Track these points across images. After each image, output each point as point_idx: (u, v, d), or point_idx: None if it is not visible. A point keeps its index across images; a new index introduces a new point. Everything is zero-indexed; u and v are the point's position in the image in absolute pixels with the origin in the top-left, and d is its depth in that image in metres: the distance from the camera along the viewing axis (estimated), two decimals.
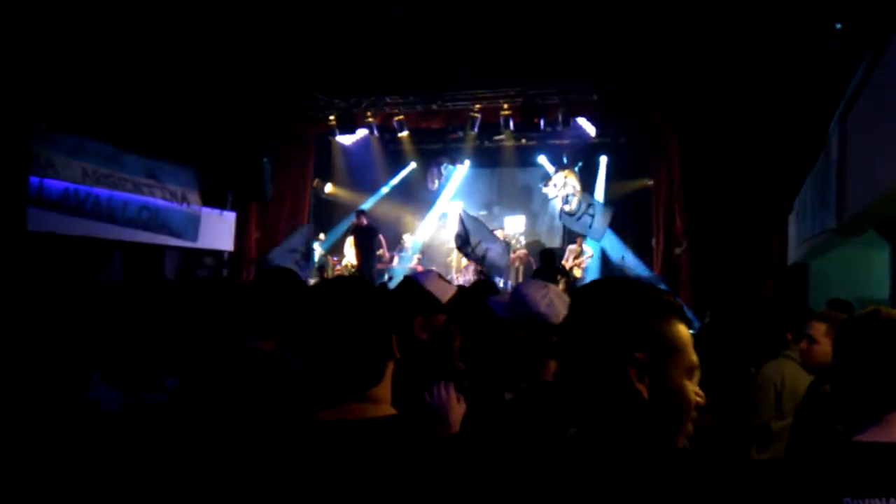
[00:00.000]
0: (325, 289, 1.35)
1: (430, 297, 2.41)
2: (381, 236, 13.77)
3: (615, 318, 1.16)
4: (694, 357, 1.17)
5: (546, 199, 14.86)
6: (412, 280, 2.51)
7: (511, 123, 12.44)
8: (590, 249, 12.93)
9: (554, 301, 1.93)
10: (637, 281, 1.24)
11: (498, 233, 12.07)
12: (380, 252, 13.77)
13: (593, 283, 1.27)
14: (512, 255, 13.72)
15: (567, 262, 12.49)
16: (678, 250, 11.01)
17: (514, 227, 15.42)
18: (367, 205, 15.04)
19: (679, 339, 1.17)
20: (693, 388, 1.17)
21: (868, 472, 1.30)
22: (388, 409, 1.30)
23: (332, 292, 1.32)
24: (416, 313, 2.37)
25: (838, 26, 6.54)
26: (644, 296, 1.18)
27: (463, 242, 9.90)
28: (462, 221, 9.92)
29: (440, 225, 15.85)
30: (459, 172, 15.74)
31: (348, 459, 1.17)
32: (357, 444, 1.19)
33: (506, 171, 15.84)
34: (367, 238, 13.21)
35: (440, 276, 2.59)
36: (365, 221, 13.28)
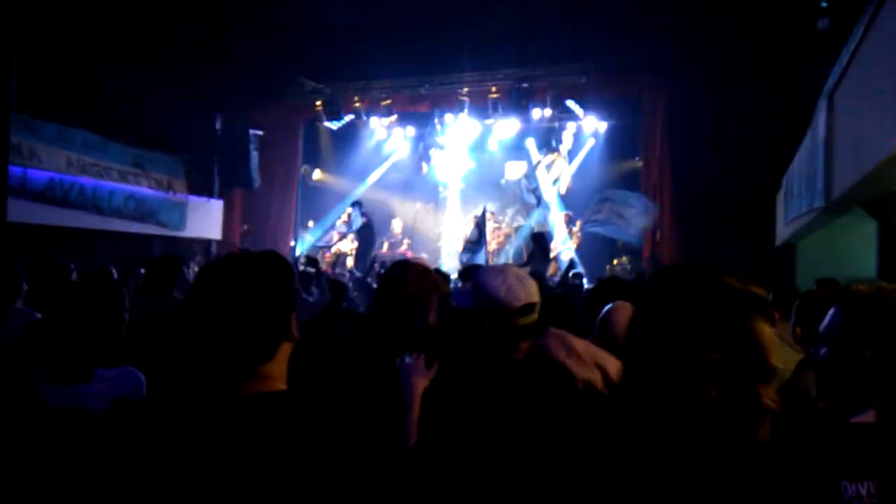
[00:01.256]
0: (223, 265, 1.31)
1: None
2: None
3: (695, 312, 1.08)
4: (774, 361, 1.09)
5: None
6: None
7: (499, 106, 12.38)
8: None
9: (513, 285, 1.90)
10: (721, 269, 1.13)
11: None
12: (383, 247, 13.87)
13: (671, 269, 1.19)
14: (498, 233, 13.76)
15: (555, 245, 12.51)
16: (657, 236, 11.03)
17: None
18: (358, 192, 14.98)
19: (760, 340, 1.08)
20: (768, 395, 1.09)
21: (865, 454, 1.27)
22: (278, 385, 1.28)
23: (228, 269, 1.29)
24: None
25: (824, 4, 6.52)
26: (727, 288, 1.09)
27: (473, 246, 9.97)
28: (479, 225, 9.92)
29: (427, 209, 15.80)
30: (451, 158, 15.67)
31: (233, 432, 1.17)
32: (242, 418, 1.19)
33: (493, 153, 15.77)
34: (370, 232, 13.22)
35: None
36: (366, 218, 13.32)
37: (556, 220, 13.56)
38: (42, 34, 9.12)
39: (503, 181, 15.33)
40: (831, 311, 1.50)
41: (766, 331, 1.10)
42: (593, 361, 1.90)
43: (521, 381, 1.80)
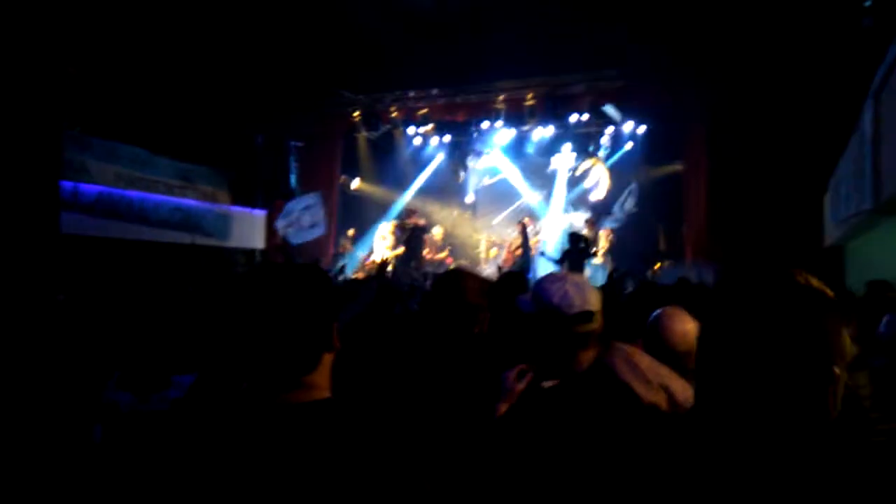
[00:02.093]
0: (263, 277, 1.33)
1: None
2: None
3: (814, 329, 1.00)
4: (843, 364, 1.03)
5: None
6: None
7: (536, 113, 12.35)
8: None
9: (569, 291, 1.88)
10: (808, 276, 1.06)
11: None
12: (425, 252, 13.82)
13: (743, 273, 1.11)
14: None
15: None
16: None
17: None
18: (401, 202, 15.09)
19: (847, 348, 1.03)
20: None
21: None
22: (322, 394, 1.29)
23: (269, 281, 1.31)
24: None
25: (868, 3, 6.37)
26: (825, 298, 1.02)
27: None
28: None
29: (465, 216, 15.81)
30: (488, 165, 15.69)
31: (276, 440, 1.18)
32: (286, 426, 1.20)
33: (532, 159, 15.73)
34: (420, 239, 13.26)
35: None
36: (422, 222, 13.36)
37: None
38: (90, 54, 9.44)
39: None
40: (886, 319, 1.44)
41: (847, 339, 1.04)
42: (658, 382, 1.85)
43: (584, 400, 1.74)
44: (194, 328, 2.37)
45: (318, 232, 12.24)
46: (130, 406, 2.13)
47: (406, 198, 15.42)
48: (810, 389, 0.98)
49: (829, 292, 1.03)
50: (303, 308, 1.27)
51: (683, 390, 1.88)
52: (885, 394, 1.44)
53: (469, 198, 15.65)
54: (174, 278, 8.94)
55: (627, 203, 12.60)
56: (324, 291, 1.32)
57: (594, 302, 1.88)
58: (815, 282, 1.03)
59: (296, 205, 12.26)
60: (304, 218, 12.12)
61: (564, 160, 14.83)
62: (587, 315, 1.86)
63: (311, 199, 12.37)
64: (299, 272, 1.33)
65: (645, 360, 1.89)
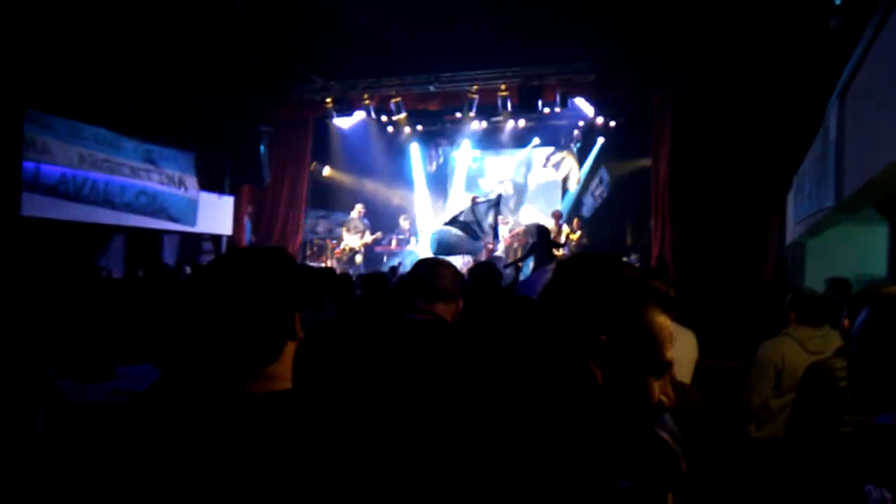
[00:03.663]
0: (225, 262, 1.28)
1: None
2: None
3: (585, 293, 1.07)
4: (668, 354, 1.07)
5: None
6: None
7: (509, 104, 12.38)
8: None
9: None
10: (622, 260, 1.15)
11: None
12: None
13: (577, 255, 1.19)
14: (509, 235, 13.74)
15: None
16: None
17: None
18: (372, 189, 15.02)
19: (654, 329, 1.06)
20: (660, 387, 1.06)
21: (891, 457, 1.22)
22: (283, 385, 1.25)
23: (230, 266, 1.26)
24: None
25: (838, 2, 6.48)
26: (624, 275, 1.09)
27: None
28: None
29: (435, 206, 15.82)
30: (463, 156, 15.71)
31: (236, 431, 1.15)
32: (246, 417, 1.16)
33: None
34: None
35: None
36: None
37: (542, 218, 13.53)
38: (54, 31, 9.18)
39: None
40: (863, 311, 1.47)
41: (663, 323, 1.08)
42: None
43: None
44: (144, 316, 2.33)
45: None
46: (73, 395, 2.08)
47: (370, 185, 15.40)
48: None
49: (659, 284, 1.09)
50: (264, 295, 1.22)
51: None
52: (857, 382, 1.49)
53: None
54: (132, 264, 8.76)
55: (598, 190, 12.74)
56: (286, 278, 1.27)
57: None
58: (635, 272, 1.10)
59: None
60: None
61: (536, 152, 14.94)
62: None
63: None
64: (261, 258, 1.28)
65: None
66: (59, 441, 2.06)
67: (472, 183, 15.89)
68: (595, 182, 12.99)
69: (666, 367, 1.07)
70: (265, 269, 1.26)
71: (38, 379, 2.15)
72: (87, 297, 2.24)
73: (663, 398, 1.07)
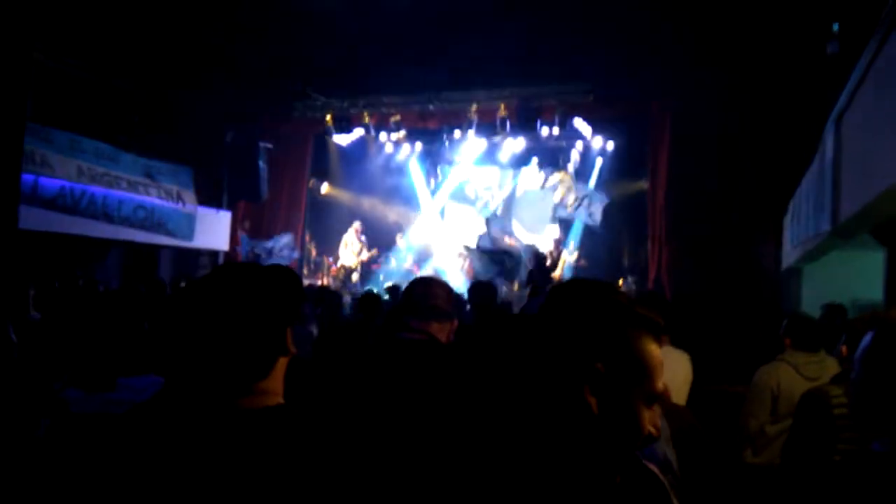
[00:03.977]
0: (216, 277, 1.27)
1: None
2: None
3: (582, 321, 1.07)
4: (659, 385, 1.08)
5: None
6: None
7: (507, 124, 12.44)
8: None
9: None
10: (616, 288, 1.16)
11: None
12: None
13: (569, 282, 1.20)
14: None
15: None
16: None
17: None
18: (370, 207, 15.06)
19: (647, 359, 1.07)
20: (650, 418, 1.06)
21: (886, 483, 1.22)
22: (275, 400, 1.24)
23: (221, 282, 1.25)
24: None
25: (836, 27, 6.55)
26: (619, 304, 1.10)
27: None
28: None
29: (433, 225, 15.84)
30: (455, 173, 15.76)
31: (229, 447, 1.14)
32: (238, 432, 1.15)
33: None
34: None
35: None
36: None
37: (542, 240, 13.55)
38: (55, 45, 9.24)
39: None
40: (867, 336, 1.46)
41: (654, 351, 1.08)
42: None
43: None
44: (145, 330, 2.32)
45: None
46: (79, 404, 2.07)
47: (369, 203, 15.46)
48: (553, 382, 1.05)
49: (648, 312, 1.10)
50: (255, 310, 1.22)
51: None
52: (857, 403, 1.47)
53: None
54: (129, 278, 8.74)
55: (592, 208, 12.83)
56: (279, 293, 1.26)
57: None
58: (625, 300, 1.12)
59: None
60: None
61: (532, 173, 15.00)
62: None
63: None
64: (255, 272, 1.28)
65: None
66: (55, 449, 2.04)
67: (458, 192, 15.92)
68: (586, 202, 13.07)
69: (656, 397, 1.07)
70: (257, 284, 1.25)
71: (43, 388, 2.14)
72: (91, 308, 2.24)
73: (652, 429, 1.07)
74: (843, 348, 2.94)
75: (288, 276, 1.33)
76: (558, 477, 1.02)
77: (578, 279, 1.22)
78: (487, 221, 12.59)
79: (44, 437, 2.03)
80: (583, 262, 12.86)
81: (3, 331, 2.26)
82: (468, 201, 15.93)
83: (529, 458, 1.03)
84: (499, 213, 15.40)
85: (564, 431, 1.03)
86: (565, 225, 14.19)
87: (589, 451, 1.04)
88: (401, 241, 15.03)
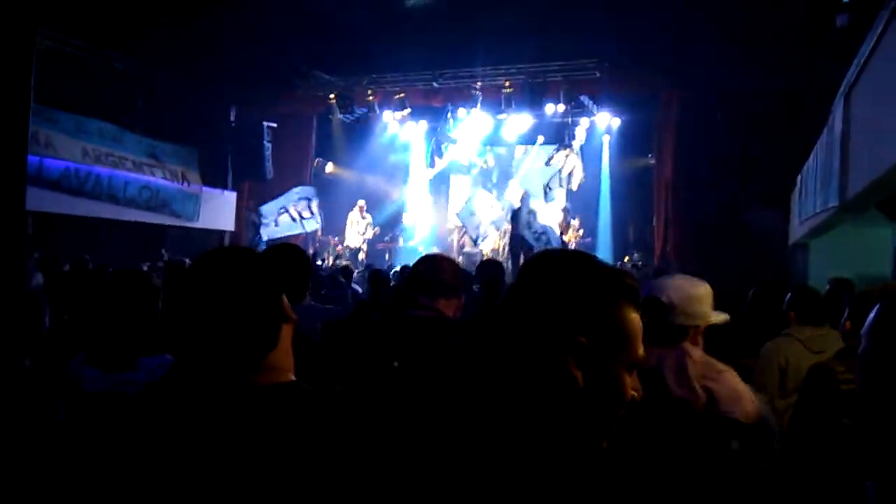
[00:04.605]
0: (197, 263, 1.28)
1: None
2: None
3: (562, 294, 1.05)
4: (640, 351, 1.07)
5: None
6: None
7: (513, 101, 12.35)
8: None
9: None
10: (592, 257, 1.13)
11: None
12: None
13: (545, 253, 1.17)
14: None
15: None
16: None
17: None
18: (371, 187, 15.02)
19: (629, 327, 1.06)
20: (631, 384, 1.07)
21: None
22: (286, 377, 1.24)
23: (203, 265, 1.26)
24: None
25: (845, 0, 6.46)
26: (598, 274, 1.08)
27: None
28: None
29: (438, 203, 15.81)
30: (455, 149, 15.69)
31: (241, 427, 1.14)
32: (256, 409, 1.15)
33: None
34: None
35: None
36: None
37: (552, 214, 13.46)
38: (60, 26, 9.18)
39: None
40: (876, 308, 1.44)
41: (636, 320, 1.07)
42: (703, 383, 1.92)
43: None
44: (161, 310, 2.33)
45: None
46: (94, 384, 2.09)
47: (372, 181, 15.43)
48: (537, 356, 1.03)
49: (628, 280, 1.09)
50: (248, 283, 1.22)
51: (730, 394, 1.92)
52: (864, 376, 1.46)
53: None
54: (143, 258, 8.79)
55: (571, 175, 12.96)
56: (265, 265, 1.27)
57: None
58: (605, 268, 1.09)
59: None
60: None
61: (539, 150, 14.92)
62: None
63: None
64: (230, 253, 1.30)
65: (698, 361, 1.97)
66: (69, 432, 2.06)
67: (456, 164, 15.90)
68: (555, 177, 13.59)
69: (637, 364, 1.07)
70: (246, 259, 1.27)
71: (56, 369, 2.16)
72: (106, 289, 2.25)
73: (634, 394, 1.07)
74: (847, 324, 2.93)
75: (287, 252, 1.33)
76: (549, 449, 1.02)
77: (554, 250, 1.21)
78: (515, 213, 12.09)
79: (64, 420, 2.05)
80: (588, 238, 12.83)
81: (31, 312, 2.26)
82: (463, 171, 15.86)
83: (521, 433, 1.03)
84: (493, 178, 15.39)
85: (553, 405, 1.03)
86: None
87: (577, 422, 1.04)
88: (407, 221, 15.01)
